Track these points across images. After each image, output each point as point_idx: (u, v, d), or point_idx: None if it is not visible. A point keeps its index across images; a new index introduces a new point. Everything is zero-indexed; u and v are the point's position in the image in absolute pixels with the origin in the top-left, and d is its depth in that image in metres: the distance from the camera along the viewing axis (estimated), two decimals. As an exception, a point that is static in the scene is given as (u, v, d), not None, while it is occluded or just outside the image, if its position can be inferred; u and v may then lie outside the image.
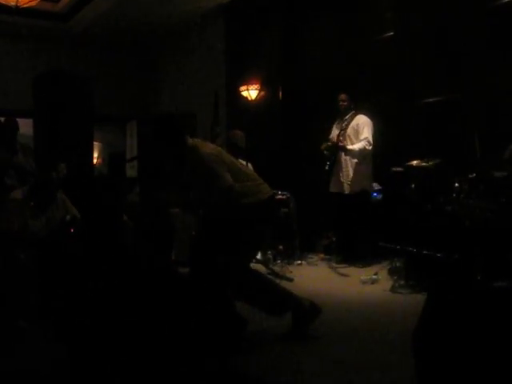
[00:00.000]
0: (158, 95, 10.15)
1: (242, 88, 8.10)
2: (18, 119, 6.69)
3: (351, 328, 3.88)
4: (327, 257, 6.84)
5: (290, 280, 5.41)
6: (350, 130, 6.30)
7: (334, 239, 6.92)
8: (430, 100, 6.26)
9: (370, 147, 6.18)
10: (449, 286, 2.24)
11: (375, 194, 6.47)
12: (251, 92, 8.06)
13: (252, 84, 8.04)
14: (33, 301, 4.42)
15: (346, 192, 6.32)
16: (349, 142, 6.29)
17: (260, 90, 8.06)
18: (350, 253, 6.36)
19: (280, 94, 7.94)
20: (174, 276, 3.37)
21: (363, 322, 4.02)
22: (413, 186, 5.26)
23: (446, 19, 6.15)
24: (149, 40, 9.98)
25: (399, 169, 5.47)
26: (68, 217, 4.92)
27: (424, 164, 5.12)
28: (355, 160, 6.28)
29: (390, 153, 6.24)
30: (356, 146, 6.18)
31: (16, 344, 3.84)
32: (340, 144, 6.20)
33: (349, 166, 6.32)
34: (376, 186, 6.49)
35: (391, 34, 6.75)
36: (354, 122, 6.33)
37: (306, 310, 3.62)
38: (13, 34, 9.13)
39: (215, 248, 3.61)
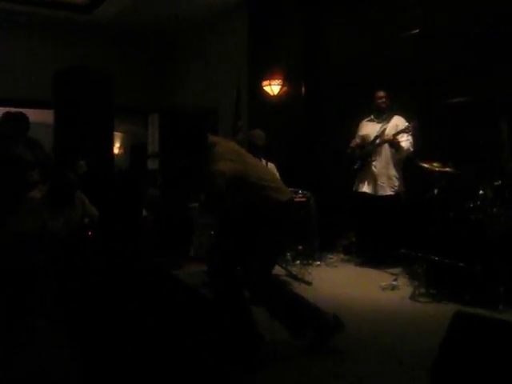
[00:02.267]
0: (180, 88, 10.11)
1: (265, 83, 8.00)
2: (39, 110, 6.65)
3: (366, 338, 3.82)
4: (347, 257, 6.78)
5: (309, 284, 5.35)
6: (390, 131, 6.09)
7: (354, 239, 6.85)
8: (456, 100, 6.11)
9: (413, 149, 5.98)
10: (470, 319, 2.15)
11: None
12: (273, 87, 7.95)
13: (274, 79, 7.93)
14: (49, 300, 4.45)
15: (381, 194, 6.16)
16: (387, 146, 6.12)
17: (282, 86, 7.95)
18: (370, 255, 6.28)
19: (303, 89, 7.82)
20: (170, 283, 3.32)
21: (379, 333, 3.95)
22: (436, 191, 5.14)
23: (473, 17, 5.98)
24: (172, 33, 9.92)
25: (423, 165, 5.26)
26: (87, 220, 4.91)
27: (447, 169, 4.99)
28: (392, 162, 6.14)
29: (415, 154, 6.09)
30: (404, 145, 5.97)
31: (31, 342, 3.89)
32: (396, 140, 5.95)
33: (384, 168, 6.17)
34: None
35: (417, 31, 6.59)
36: (392, 124, 6.13)
37: (329, 324, 3.55)
38: (34, 25, 9.13)
39: (232, 250, 3.58)
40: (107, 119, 7.08)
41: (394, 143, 6.01)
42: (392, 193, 6.13)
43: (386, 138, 6.09)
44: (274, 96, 7.99)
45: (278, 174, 6.06)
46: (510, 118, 5.55)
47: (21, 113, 5.72)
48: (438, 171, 5.00)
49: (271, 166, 6.05)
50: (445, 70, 6.22)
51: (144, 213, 7.42)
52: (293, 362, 3.40)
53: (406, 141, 5.98)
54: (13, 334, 4.01)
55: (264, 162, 6.03)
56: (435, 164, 5.11)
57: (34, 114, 9.21)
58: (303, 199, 6.09)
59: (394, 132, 6.03)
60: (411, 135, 5.95)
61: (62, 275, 4.63)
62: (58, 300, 4.48)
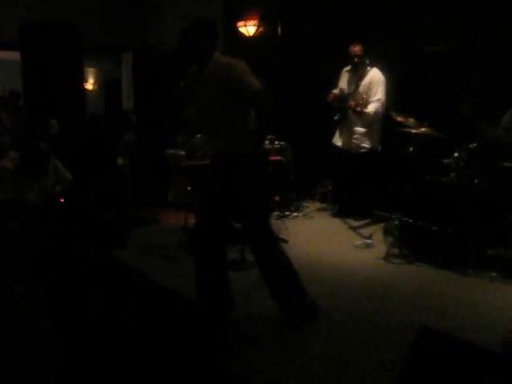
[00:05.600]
0: (152, 26, 9.74)
1: (240, 24, 7.74)
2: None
3: (340, 305, 3.91)
4: (323, 205, 6.84)
5: (285, 241, 5.39)
6: (361, 88, 5.94)
7: (330, 188, 6.89)
8: (434, 48, 5.98)
9: (382, 110, 5.85)
10: (435, 337, 2.21)
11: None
12: (249, 28, 7.71)
13: (250, 19, 7.67)
14: (28, 268, 4.47)
15: (354, 150, 6.10)
16: (360, 100, 5.91)
17: (258, 26, 7.71)
18: (346, 205, 6.34)
19: (279, 30, 7.59)
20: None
21: (354, 298, 4.03)
22: (411, 149, 5.13)
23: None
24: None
25: (398, 119, 5.16)
26: (58, 187, 4.86)
27: (423, 129, 4.95)
28: (367, 121, 5.99)
29: (391, 104, 5.98)
30: (370, 109, 5.82)
31: (13, 309, 3.95)
32: (357, 109, 5.83)
33: (358, 125, 6.04)
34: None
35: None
36: (366, 79, 5.95)
37: (307, 307, 3.60)
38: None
39: (219, 207, 3.51)
40: (76, 71, 6.83)
41: (356, 112, 5.89)
42: (366, 150, 6.06)
43: (348, 104, 5.95)
44: (249, 37, 7.76)
45: None
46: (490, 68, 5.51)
47: None
48: (414, 133, 4.96)
49: None
50: (421, 15, 6.04)
51: (120, 161, 7.35)
52: (265, 335, 3.47)
53: (376, 101, 5.85)
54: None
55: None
56: (411, 120, 5.06)
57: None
58: (280, 158, 6.05)
59: (364, 90, 5.92)
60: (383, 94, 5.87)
61: (38, 243, 4.64)
62: (36, 268, 4.50)
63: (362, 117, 5.91)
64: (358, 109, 5.80)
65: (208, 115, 3.49)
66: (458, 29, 5.74)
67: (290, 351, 3.28)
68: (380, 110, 5.85)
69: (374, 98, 5.86)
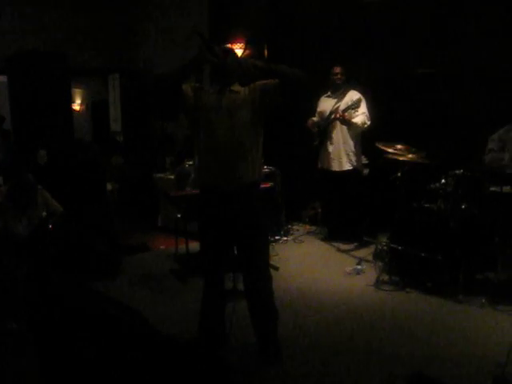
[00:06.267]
0: (140, 49, 9.76)
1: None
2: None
3: (331, 334, 3.95)
4: (313, 228, 6.87)
5: (276, 269, 5.39)
6: (342, 107, 6.00)
7: (319, 210, 6.92)
8: (421, 72, 6.06)
9: (369, 122, 5.95)
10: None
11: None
12: (236, 51, 7.72)
13: (236, 42, 7.71)
14: (19, 302, 4.44)
15: (338, 169, 6.14)
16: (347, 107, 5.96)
17: (245, 49, 7.74)
18: (335, 228, 6.37)
19: (266, 53, 7.64)
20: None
21: (343, 328, 4.04)
22: (399, 174, 5.18)
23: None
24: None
25: (388, 154, 5.21)
26: (44, 213, 4.85)
27: (411, 156, 4.99)
28: (349, 137, 6.07)
29: (379, 127, 6.03)
30: (358, 120, 5.90)
31: (4, 344, 3.92)
32: (346, 117, 5.87)
33: (341, 143, 6.11)
34: (364, 159, 6.38)
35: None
36: (346, 99, 6.04)
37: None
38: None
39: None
40: (63, 98, 6.83)
41: (343, 120, 5.95)
42: (350, 167, 6.11)
43: (335, 115, 6.01)
44: (236, 60, 7.78)
45: None
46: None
47: None
48: (402, 160, 5.00)
49: None
50: (408, 39, 6.12)
51: (109, 187, 7.34)
52: (258, 369, 3.47)
53: (361, 114, 5.93)
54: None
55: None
56: (399, 146, 5.11)
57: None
58: (269, 184, 6.05)
59: (347, 105, 5.97)
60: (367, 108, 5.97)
61: (28, 276, 4.61)
62: (26, 302, 4.48)
63: (350, 127, 5.97)
64: (346, 114, 5.87)
65: (226, 141, 3.28)
66: (446, 52, 5.82)
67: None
68: (368, 122, 5.96)
69: (359, 113, 5.94)
